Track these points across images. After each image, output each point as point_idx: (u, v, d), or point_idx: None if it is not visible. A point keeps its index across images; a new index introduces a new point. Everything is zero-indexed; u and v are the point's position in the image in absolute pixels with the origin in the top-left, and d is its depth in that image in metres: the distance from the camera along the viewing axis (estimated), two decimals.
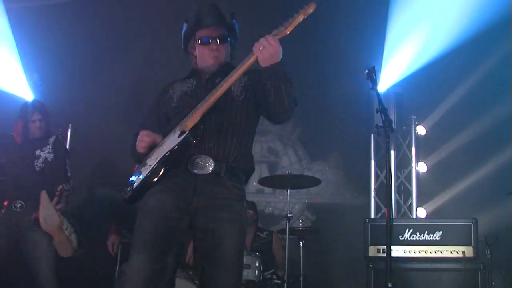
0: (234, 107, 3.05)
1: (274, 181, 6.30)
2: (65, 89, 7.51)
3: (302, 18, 2.80)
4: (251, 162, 3.15)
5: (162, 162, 2.92)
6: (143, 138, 3.07)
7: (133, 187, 3.00)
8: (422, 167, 7.00)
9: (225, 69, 3.15)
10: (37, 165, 5.34)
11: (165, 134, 3.07)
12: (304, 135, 7.82)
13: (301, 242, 5.91)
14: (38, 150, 5.39)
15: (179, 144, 2.91)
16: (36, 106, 5.52)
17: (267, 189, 7.43)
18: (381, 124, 4.00)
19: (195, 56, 3.31)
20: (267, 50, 2.84)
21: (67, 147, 7.25)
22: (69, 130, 7.47)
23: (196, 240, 2.97)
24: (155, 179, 2.92)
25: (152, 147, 3.06)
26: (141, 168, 3.01)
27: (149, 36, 7.59)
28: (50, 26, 7.76)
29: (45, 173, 5.34)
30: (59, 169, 5.41)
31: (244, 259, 5.39)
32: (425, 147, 7.12)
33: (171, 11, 7.04)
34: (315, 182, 6.03)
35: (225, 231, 2.90)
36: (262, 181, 6.31)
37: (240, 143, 3.07)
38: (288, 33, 2.83)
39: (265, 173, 7.65)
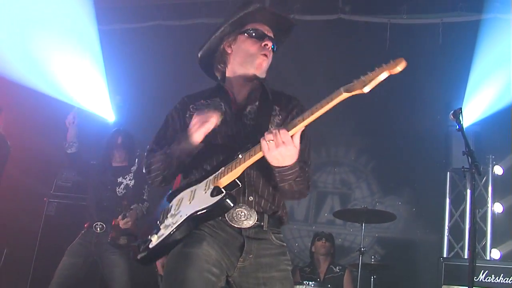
0: None
1: (349, 215, 6.35)
2: (146, 112, 7.77)
3: (385, 76, 2.22)
4: (285, 207, 2.78)
5: (191, 221, 2.49)
6: (199, 120, 2.56)
7: (148, 247, 2.54)
8: (498, 208, 6.88)
9: (260, 98, 2.76)
10: (118, 190, 5.69)
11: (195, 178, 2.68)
12: (378, 168, 7.82)
13: (372, 277, 5.94)
14: (121, 178, 5.74)
15: (215, 207, 2.45)
16: (123, 138, 5.93)
17: (338, 221, 7.45)
18: (466, 166, 4.06)
19: (226, 61, 2.86)
20: (275, 150, 2.34)
21: None
22: None
23: None
24: (179, 238, 2.49)
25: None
26: (160, 224, 2.59)
27: None
28: (136, 48, 8.08)
29: (126, 197, 5.66)
30: (138, 193, 5.75)
31: None
32: (502, 188, 6.97)
33: None
34: (390, 217, 6.07)
35: None
36: (337, 214, 6.37)
37: (276, 188, 2.66)
38: (366, 92, 2.23)
39: (337, 204, 7.71)
